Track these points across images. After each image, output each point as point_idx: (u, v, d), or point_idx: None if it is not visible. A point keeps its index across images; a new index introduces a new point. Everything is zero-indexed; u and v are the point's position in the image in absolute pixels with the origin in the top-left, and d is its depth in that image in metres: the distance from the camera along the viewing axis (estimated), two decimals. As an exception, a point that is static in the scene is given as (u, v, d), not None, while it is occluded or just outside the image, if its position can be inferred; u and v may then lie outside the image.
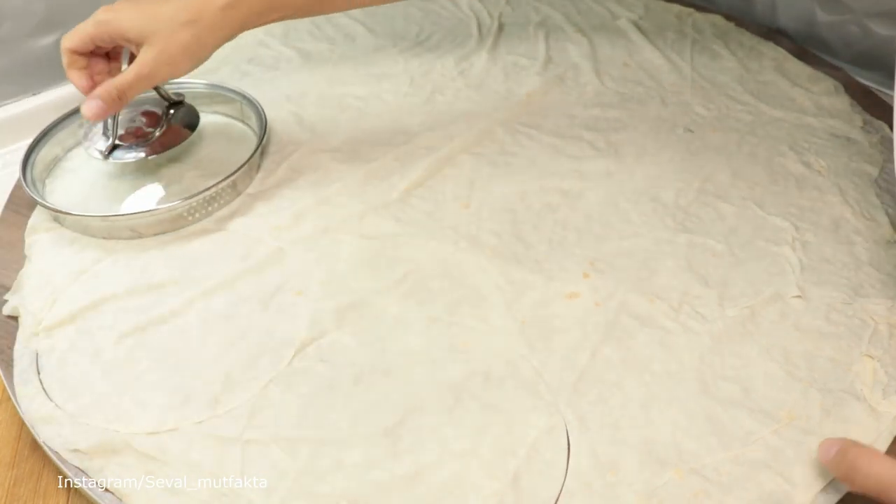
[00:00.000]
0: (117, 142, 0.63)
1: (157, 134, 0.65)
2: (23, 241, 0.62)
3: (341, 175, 0.67)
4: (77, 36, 0.58)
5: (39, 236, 0.62)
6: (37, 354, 0.53)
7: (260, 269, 0.58)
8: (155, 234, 0.61)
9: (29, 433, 0.50)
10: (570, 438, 0.48)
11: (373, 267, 0.59)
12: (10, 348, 0.53)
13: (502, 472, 0.46)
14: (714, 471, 0.46)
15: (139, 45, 0.57)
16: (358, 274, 0.58)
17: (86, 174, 0.66)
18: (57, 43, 0.81)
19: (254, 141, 0.68)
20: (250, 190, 0.66)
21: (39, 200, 0.61)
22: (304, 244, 0.60)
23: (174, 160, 0.66)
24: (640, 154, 0.69)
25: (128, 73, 0.57)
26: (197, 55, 0.58)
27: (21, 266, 0.60)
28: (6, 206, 0.65)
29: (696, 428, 0.48)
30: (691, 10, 0.89)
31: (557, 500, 0.45)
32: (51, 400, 0.50)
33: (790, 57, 0.81)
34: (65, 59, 0.59)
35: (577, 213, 0.63)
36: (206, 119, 0.70)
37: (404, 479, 0.45)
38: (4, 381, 0.52)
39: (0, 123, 0.78)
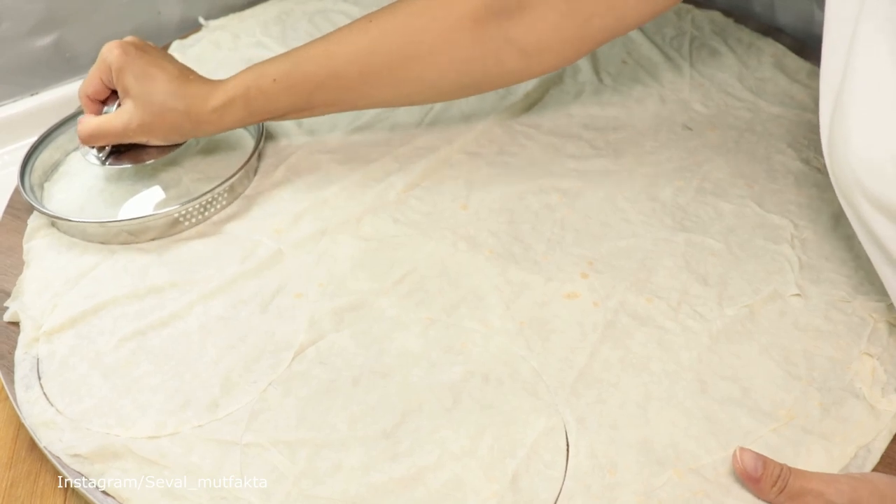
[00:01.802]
0: (115, 146, 0.63)
1: None
2: (22, 245, 0.62)
3: (339, 176, 0.67)
4: (91, 83, 0.61)
5: (38, 241, 0.62)
6: (37, 360, 0.53)
7: (259, 272, 0.58)
8: (152, 239, 0.61)
9: (26, 434, 0.51)
10: (569, 439, 0.48)
11: (371, 268, 0.59)
12: (11, 353, 0.54)
13: (501, 474, 0.46)
14: (713, 470, 0.46)
15: (130, 100, 0.60)
16: (356, 275, 0.58)
17: (84, 179, 0.66)
18: (56, 43, 0.81)
19: (251, 144, 0.68)
20: (249, 192, 0.66)
21: (37, 206, 0.61)
22: (302, 246, 0.60)
23: (172, 164, 0.67)
24: (639, 153, 0.69)
25: (112, 123, 0.60)
26: (172, 139, 0.63)
27: (21, 271, 0.60)
28: (6, 211, 0.65)
29: (694, 428, 0.48)
30: (690, 6, 0.89)
31: (557, 500, 0.45)
32: (52, 405, 0.50)
33: (789, 53, 0.81)
34: (83, 105, 0.63)
35: (575, 213, 0.63)
36: None
37: (403, 482, 0.45)
38: (5, 386, 0.52)
39: (-1, 123, 0.78)
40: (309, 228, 0.62)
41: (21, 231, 0.63)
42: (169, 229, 0.62)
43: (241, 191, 0.66)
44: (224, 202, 0.64)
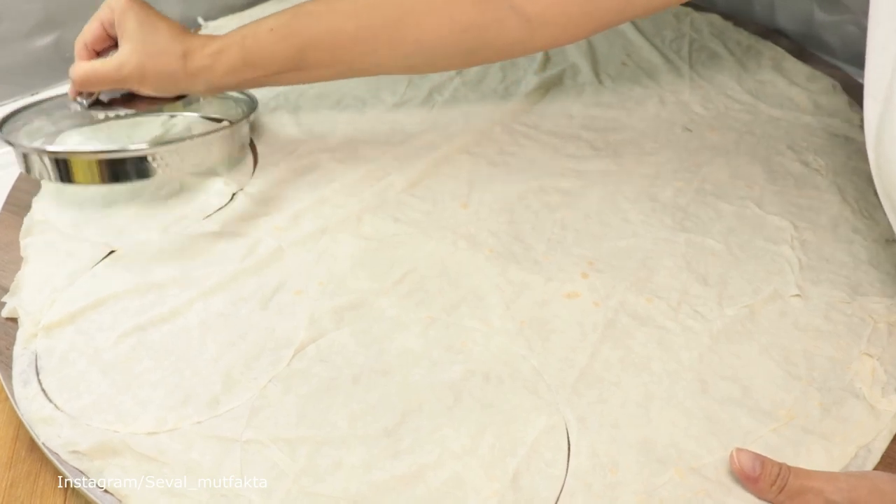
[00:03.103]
0: (102, 98, 0.62)
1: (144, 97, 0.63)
2: (19, 241, 0.61)
3: (339, 175, 0.67)
4: (91, 30, 0.61)
5: (36, 237, 0.62)
6: (36, 355, 0.53)
7: (259, 269, 0.58)
8: (125, 181, 0.60)
9: (26, 434, 0.50)
10: (570, 438, 0.48)
11: (371, 267, 0.59)
12: (9, 349, 0.53)
13: (502, 472, 0.46)
14: (714, 470, 0.46)
15: (127, 44, 0.59)
16: (357, 274, 0.58)
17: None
18: (56, 43, 0.81)
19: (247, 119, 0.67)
20: (249, 189, 0.66)
21: (8, 139, 0.59)
22: (302, 244, 0.60)
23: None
24: (639, 153, 0.69)
25: (106, 66, 0.59)
26: (165, 89, 0.61)
27: (19, 267, 0.59)
28: (4, 207, 0.65)
29: (695, 427, 0.48)
30: (689, 9, 0.89)
31: (558, 499, 0.45)
32: (50, 401, 0.50)
33: (788, 56, 0.81)
34: (77, 54, 0.62)
35: (575, 213, 0.63)
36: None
37: (404, 480, 0.45)
38: (3, 383, 0.52)
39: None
40: (309, 227, 0.62)
41: (19, 228, 0.63)
42: (140, 171, 0.58)
43: (234, 177, 0.65)
44: (199, 158, 0.61)
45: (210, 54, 0.60)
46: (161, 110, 0.63)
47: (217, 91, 0.64)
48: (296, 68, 0.62)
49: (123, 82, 0.60)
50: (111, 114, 0.62)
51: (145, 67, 0.59)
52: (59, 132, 0.65)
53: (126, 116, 0.61)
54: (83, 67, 0.59)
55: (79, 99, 0.62)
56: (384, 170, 0.68)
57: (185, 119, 0.69)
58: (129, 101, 0.62)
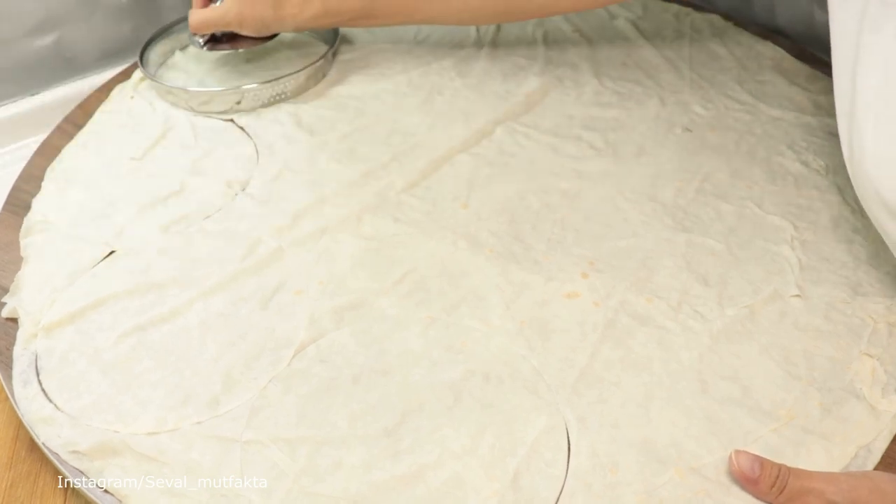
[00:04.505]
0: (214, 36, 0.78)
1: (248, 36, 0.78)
2: (19, 241, 0.61)
3: (339, 175, 0.67)
4: None
5: (36, 237, 0.62)
6: (36, 355, 0.53)
7: (259, 269, 0.58)
8: (222, 112, 0.75)
9: (26, 434, 0.50)
10: (570, 438, 0.48)
11: (371, 267, 0.59)
12: (9, 349, 0.53)
13: (502, 472, 0.46)
14: (714, 470, 0.46)
15: None
16: (357, 274, 0.58)
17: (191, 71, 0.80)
18: (56, 43, 0.81)
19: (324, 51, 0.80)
20: (249, 190, 0.66)
21: (151, 78, 0.77)
22: (303, 244, 0.60)
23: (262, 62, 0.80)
24: (639, 154, 0.69)
25: (214, 13, 0.74)
26: (260, 31, 0.76)
27: (18, 267, 0.59)
28: (4, 207, 0.65)
29: (695, 427, 0.48)
30: (689, 9, 0.89)
31: (558, 499, 0.45)
32: (50, 401, 0.50)
33: (788, 56, 0.81)
34: (193, 3, 0.76)
35: (575, 213, 0.63)
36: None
37: (404, 480, 0.45)
38: (3, 383, 0.52)
39: (-1, 123, 0.78)
40: (309, 227, 0.62)
41: (19, 228, 0.63)
42: (232, 106, 0.75)
43: (308, 87, 0.78)
44: (285, 93, 0.76)
45: (297, 4, 0.73)
46: (260, 48, 0.79)
47: (301, 30, 0.81)
48: (367, 16, 0.74)
49: (227, 26, 0.75)
50: (221, 48, 0.78)
51: (243, 15, 0.74)
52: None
53: (231, 51, 0.78)
54: (199, 15, 0.74)
55: (196, 38, 0.77)
56: (384, 170, 0.68)
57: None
58: (234, 39, 0.78)
